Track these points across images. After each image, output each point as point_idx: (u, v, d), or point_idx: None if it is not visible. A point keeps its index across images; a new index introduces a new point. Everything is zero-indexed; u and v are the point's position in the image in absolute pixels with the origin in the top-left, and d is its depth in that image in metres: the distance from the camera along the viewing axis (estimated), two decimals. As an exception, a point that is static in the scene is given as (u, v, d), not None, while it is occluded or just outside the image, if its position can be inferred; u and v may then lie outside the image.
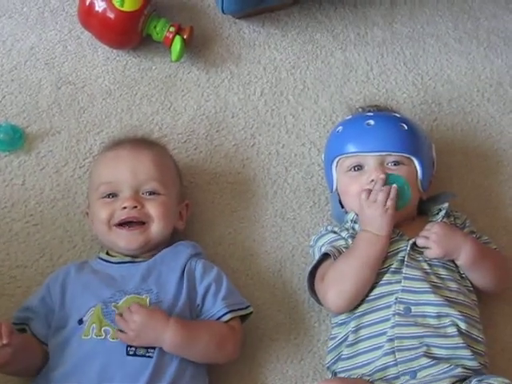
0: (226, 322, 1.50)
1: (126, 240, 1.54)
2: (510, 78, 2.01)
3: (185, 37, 1.85)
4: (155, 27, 1.86)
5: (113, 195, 1.56)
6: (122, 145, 1.63)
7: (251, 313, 1.56)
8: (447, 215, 1.64)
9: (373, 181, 1.59)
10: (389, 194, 1.55)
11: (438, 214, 1.63)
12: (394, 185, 1.56)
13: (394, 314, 1.49)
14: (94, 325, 1.45)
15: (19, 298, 1.59)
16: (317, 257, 1.61)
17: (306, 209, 1.78)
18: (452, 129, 1.92)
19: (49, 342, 1.49)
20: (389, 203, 1.54)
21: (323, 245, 1.62)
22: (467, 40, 2.06)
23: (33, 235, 1.68)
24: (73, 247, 1.67)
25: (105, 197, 1.57)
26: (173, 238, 1.63)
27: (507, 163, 1.89)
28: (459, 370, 1.44)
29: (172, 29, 1.85)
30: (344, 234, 1.61)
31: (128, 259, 1.57)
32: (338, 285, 1.53)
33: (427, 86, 1.97)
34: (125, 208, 1.54)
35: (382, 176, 1.57)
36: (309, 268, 1.60)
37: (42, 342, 1.49)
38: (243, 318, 1.55)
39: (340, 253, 1.57)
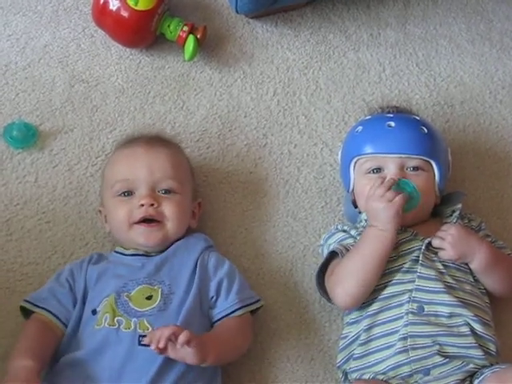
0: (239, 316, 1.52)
1: (144, 236, 1.55)
2: (523, 81, 2.01)
3: (198, 36, 1.86)
4: (169, 26, 1.86)
5: (128, 193, 1.57)
6: (137, 142, 1.64)
7: (261, 306, 1.57)
8: (461, 217, 1.64)
9: None
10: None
11: (451, 215, 1.63)
12: (402, 194, 1.54)
13: (407, 313, 1.49)
14: (108, 314, 1.46)
15: (31, 295, 1.59)
16: (325, 253, 1.62)
17: (317, 209, 1.78)
18: (464, 130, 1.92)
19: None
20: (397, 199, 1.52)
21: (332, 243, 1.62)
22: (480, 42, 2.06)
23: (45, 232, 1.68)
24: (85, 245, 1.68)
25: (120, 195, 1.57)
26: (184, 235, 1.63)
27: (519, 165, 1.89)
28: (471, 366, 1.45)
29: (185, 28, 1.86)
30: (353, 232, 1.62)
31: (142, 252, 1.57)
32: (343, 281, 1.53)
33: (440, 88, 1.97)
34: (142, 205, 1.55)
35: (394, 178, 1.56)
36: (317, 269, 1.61)
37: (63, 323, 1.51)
38: (253, 311, 1.56)
39: (348, 250, 1.57)
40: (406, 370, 1.46)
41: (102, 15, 1.84)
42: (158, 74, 1.90)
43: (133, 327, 1.44)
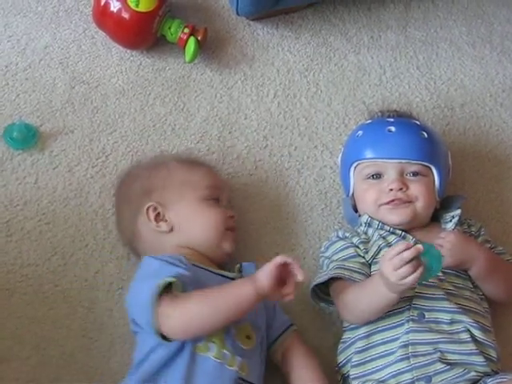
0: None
1: (231, 244, 1.60)
2: (523, 84, 2.02)
3: (199, 38, 1.85)
4: (170, 28, 1.86)
5: (215, 200, 1.61)
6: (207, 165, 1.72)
7: None
8: (460, 223, 1.63)
9: (391, 190, 1.59)
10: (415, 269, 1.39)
11: (450, 221, 1.62)
12: (421, 268, 1.38)
13: (408, 320, 1.49)
14: (214, 345, 1.38)
15: (31, 297, 1.59)
16: (324, 268, 1.61)
17: (317, 211, 1.78)
18: (464, 133, 1.92)
19: None
20: (410, 278, 1.39)
21: (331, 260, 1.60)
22: (480, 45, 2.06)
23: (45, 234, 1.68)
24: (85, 246, 1.67)
25: (209, 199, 1.59)
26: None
27: (519, 169, 1.89)
28: (473, 373, 1.45)
29: (186, 30, 1.86)
30: (355, 239, 1.61)
31: (216, 271, 1.53)
32: (349, 314, 1.54)
33: (440, 91, 1.98)
34: (232, 217, 1.62)
35: (419, 246, 1.39)
36: (314, 282, 1.59)
37: None
38: None
39: (351, 271, 1.54)
40: (407, 377, 1.45)
41: (102, 16, 1.84)
42: (158, 75, 1.89)
43: (236, 366, 1.37)
